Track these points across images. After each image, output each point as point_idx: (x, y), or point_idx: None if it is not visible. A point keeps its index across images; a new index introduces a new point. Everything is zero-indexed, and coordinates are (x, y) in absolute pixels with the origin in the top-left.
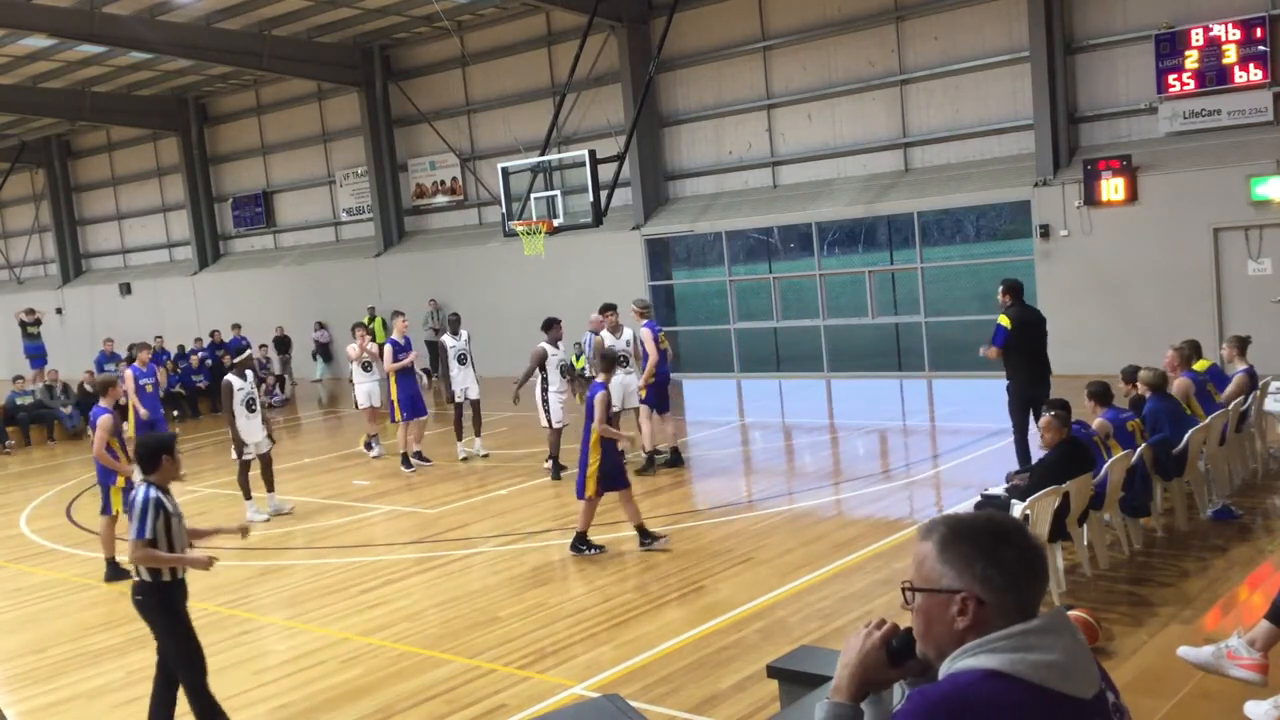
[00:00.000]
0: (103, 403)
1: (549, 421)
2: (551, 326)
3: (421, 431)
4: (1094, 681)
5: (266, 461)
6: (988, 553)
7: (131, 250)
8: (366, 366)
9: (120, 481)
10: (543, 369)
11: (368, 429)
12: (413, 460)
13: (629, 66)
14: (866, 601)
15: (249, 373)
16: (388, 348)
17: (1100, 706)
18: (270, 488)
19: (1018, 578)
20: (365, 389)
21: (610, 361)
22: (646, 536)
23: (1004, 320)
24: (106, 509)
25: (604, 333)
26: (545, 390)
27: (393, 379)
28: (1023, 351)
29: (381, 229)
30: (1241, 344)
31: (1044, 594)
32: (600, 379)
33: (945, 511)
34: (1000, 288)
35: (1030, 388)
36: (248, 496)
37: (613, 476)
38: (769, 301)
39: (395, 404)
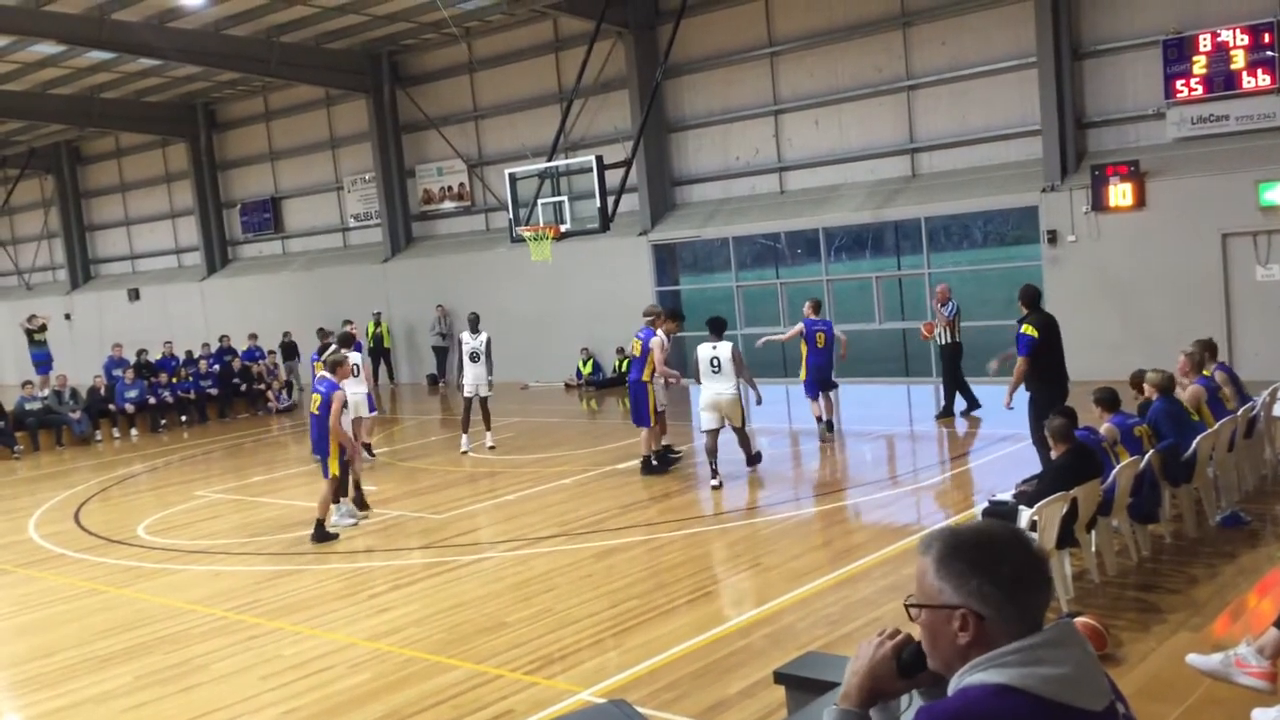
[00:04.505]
0: (331, 378)
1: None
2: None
3: (372, 425)
4: (1104, 693)
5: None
6: (983, 568)
7: (140, 256)
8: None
9: (333, 450)
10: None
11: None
12: (368, 454)
13: (636, 72)
14: (874, 608)
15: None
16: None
17: (1111, 718)
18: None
19: (1013, 593)
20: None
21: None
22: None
23: (1029, 329)
24: (329, 473)
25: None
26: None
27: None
28: (1048, 358)
29: (389, 235)
30: (1211, 348)
31: (1048, 604)
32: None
33: (951, 519)
34: (1019, 299)
35: (1056, 396)
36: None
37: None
38: (776, 307)
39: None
